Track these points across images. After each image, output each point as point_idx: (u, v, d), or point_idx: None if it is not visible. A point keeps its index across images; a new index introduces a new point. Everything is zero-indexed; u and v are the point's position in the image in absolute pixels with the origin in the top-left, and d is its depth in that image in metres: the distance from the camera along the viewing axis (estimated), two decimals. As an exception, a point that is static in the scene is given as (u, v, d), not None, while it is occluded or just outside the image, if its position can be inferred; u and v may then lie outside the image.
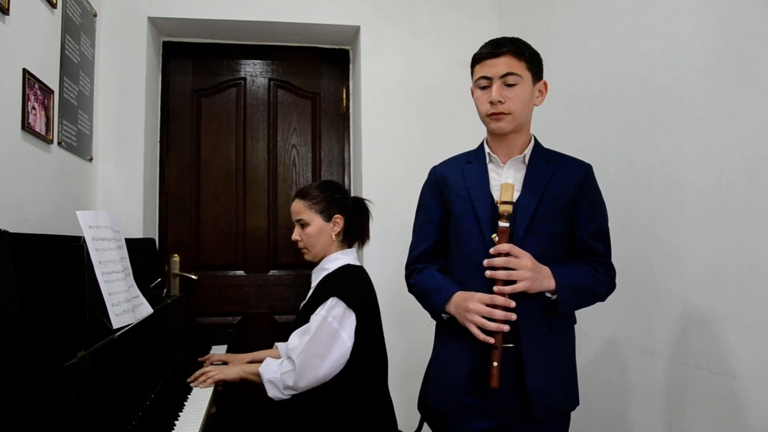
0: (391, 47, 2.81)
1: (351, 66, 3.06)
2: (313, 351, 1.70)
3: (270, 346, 2.15)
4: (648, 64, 1.77)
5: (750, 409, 1.38)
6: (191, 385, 1.79)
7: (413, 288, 1.62)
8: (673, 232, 1.66)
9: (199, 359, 2.07)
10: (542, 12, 2.48)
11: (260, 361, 2.07)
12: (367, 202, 2.02)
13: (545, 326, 1.46)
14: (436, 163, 1.69)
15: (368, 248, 2.60)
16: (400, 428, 1.93)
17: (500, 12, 2.87)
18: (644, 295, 1.77)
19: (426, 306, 1.58)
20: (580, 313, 1.57)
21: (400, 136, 2.78)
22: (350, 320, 1.73)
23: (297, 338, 1.77)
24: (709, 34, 1.54)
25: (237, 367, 1.86)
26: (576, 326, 1.57)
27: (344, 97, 3.05)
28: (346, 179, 3.02)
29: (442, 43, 2.85)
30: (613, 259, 1.54)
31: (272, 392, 1.77)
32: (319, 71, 3.05)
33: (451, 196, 1.57)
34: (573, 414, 1.56)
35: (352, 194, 2.82)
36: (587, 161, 1.56)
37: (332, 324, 1.71)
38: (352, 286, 1.79)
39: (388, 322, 2.51)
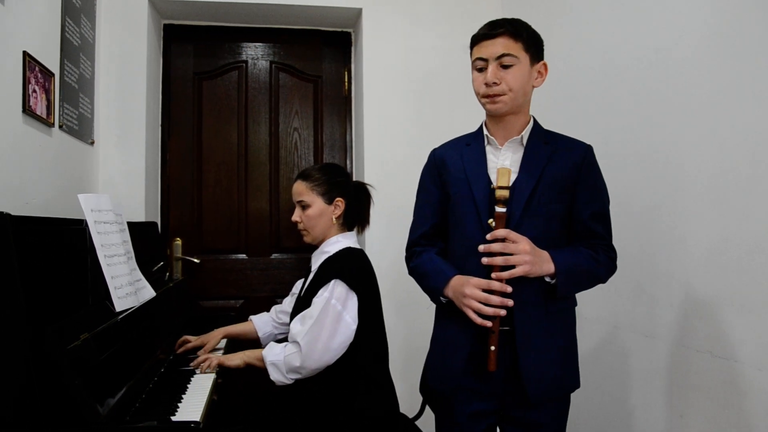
0: (393, 30, 2.79)
1: (353, 49, 3.04)
2: (318, 334, 1.68)
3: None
4: (651, 48, 1.75)
5: (751, 392, 1.38)
6: (195, 371, 1.79)
7: (413, 271, 1.62)
8: (675, 216, 1.65)
9: (180, 350, 2.01)
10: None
11: (236, 335, 2.10)
12: (368, 186, 2.00)
13: (542, 310, 1.45)
14: (437, 146, 1.68)
15: (370, 232, 2.60)
16: (401, 412, 1.94)
17: (504, -6, 2.84)
18: (646, 279, 1.77)
19: (425, 289, 1.58)
20: (581, 298, 1.57)
21: (402, 119, 2.76)
22: (353, 302, 1.73)
23: (299, 323, 1.75)
24: (713, 18, 1.52)
25: (240, 354, 1.83)
26: (577, 310, 1.57)
27: (346, 80, 3.03)
28: (348, 162, 3.01)
29: (444, 25, 2.82)
30: (616, 243, 1.53)
31: (275, 375, 1.74)
32: (320, 54, 3.03)
33: (450, 179, 1.57)
34: (574, 398, 1.56)
35: (354, 178, 2.81)
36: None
37: (336, 306, 1.70)
38: (354, 268, 1.78)
39: (390, 307, 2.52)
